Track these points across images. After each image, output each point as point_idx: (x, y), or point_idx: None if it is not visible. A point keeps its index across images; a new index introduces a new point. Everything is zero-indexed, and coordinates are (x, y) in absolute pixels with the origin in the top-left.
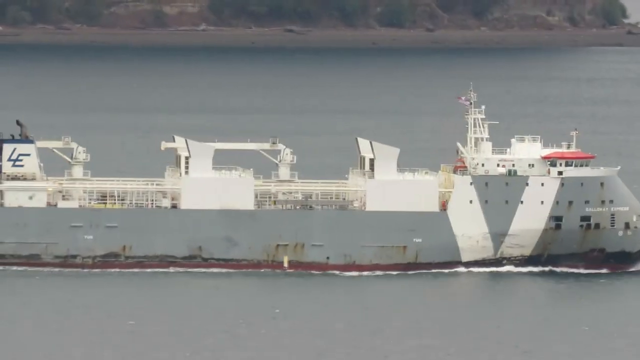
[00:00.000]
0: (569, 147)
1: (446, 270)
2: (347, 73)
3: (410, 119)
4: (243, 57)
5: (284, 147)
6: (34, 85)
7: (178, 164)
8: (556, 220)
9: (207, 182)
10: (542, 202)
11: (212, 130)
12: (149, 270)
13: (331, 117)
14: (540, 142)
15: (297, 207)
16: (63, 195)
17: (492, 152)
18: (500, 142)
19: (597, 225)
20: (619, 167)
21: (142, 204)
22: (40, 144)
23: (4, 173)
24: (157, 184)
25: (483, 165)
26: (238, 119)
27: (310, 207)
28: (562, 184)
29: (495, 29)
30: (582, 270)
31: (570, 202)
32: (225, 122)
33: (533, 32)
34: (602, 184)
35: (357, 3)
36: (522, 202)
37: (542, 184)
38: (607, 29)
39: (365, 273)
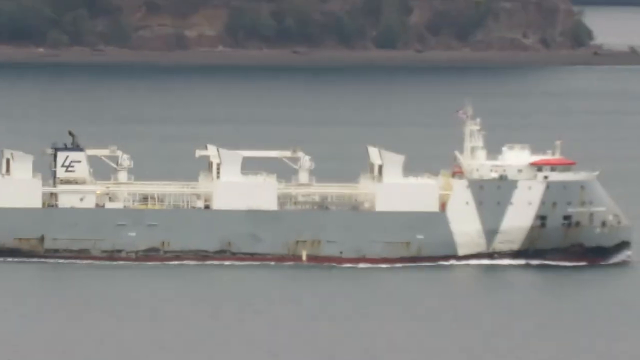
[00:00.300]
0: (553, 154)
1: (445, 263)
2: (347, 89)
3: (406, 129)
4: (255, 75)
5: (303, 154)
6: (77, 100)
7: (210, 170)
8: (541, 219)
9: (236, 185)
10: (529, 203)
11: (240, 140)
12: (184, 262)
13: (339, 128)
14: (528, 150)
15: (315, 208)
16: (109, 197)
17: (486, 158)
18: (493, 150)
19: (577, 224)
20: (597, 172)
21: (179, 204)
22: (90, 152)
23: (58, 178)
24: (192, 187)
25: (478, 170)
26: (260, 130)
27: (326, 207)
28: (547, 187)
29: (477, 50)
30: (563, 263)
31: (554, 203)
32: (249, 132)
33: (510, 53)
34: (582, 187)
35: (354, 27)
36: (511, 203)
37: (530, 187)
38: (576, 50)
39: (374, 265)
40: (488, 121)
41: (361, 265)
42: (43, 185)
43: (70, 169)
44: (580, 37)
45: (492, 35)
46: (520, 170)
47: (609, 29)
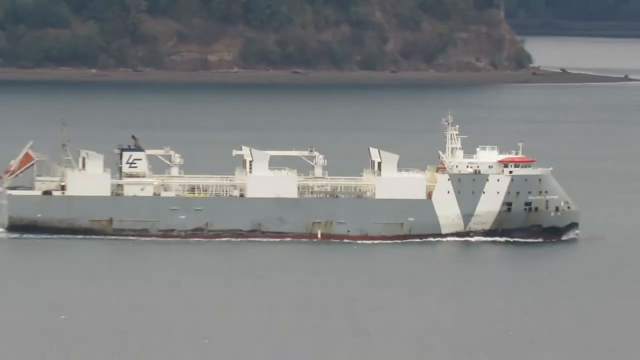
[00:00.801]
0: (517, 153)
1: (431, 239)
2: (337, 102)
3: (390, 134)
4: (263, 90)
5: (318, 153)
6: (123, 110)
7: (244, 166)
8: (507, 205)
9: (265, 178)
10: (497, 193)
11: (258, 141)
12: (223, 239)
13: (336, 132)
14: (497, 150)
15: (327, 196)
16: (164, 188)
17: (463, 157)
18: (469, 150)
19: (536, 209)
20: (551, 168)
21: (219, 193)
22: (148, 152)
23: (123, 172)
24: (229, 180)
25: (457, 166)
26: (271, 134)
27: (336, 196)
28: (512, 180)
29: (440, 71)
30: (525, 240)
31: (518, 193)
32: (262, 136)
33: (466, 73)
34: (540, 179)
35: (343, 53)
36: (484, 192)
37: (498, 180)
38: (518, 71)
39: (374, 242)
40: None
41: (364, 241)
42: (111, 178)
43: (133, 165)
44: (521, 60)
45: (451, 59)
46: (490, 167)
47: (544, 54)
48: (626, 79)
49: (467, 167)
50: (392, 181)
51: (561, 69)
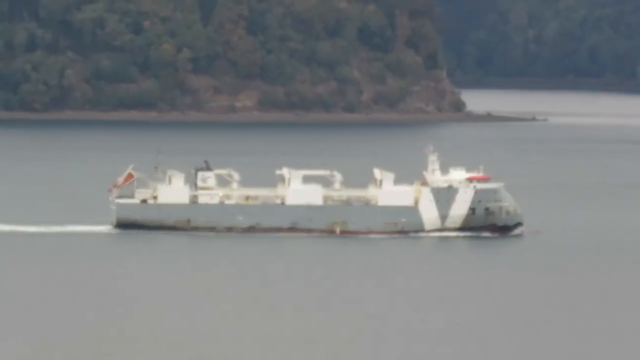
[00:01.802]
0: (478, 172)
1: (417, 235)
2: (328, 138)
3: (377, 161)
4: (274, 128)
5: (337, 172)
6: (184, 144)
7: (284, 181)
8: (472, 209)
9: (299, 190)
10: (465, 201)
11: (297, 164)
12: (269, 234)
13: (339, 160)
14: (464, 170)
15: (343, 203)
16: (227, 197)
17: (440, 175)
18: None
19: (492, 212)
20: (503, 183)
21: (266, 201)
22: (216, 171)
23: (198, 186)
24: (273, 191)
25: (436, 182)
26: (303, 159)
27: (350, 203)
28: (475, 192)
29: (402, 114)
30: (484, 234)
31: (480, 201)
32: (295, 160)
33: (419, 115)
34: (495, 191)
35: (332, 101)
36: (455, 200)
37: (465, 192)
38: (456, 113)
39: (377, 236)
40: (412, 153)
41: (369, 236)
42: (190, 190)
43: (204, 181)
44: (458, 106)
45: (409, 105)
46: (460, 182)
47: (475, 102)
48: (533, 119)
49: (443, 182)
50: (390, 193)
51: (487, 112)
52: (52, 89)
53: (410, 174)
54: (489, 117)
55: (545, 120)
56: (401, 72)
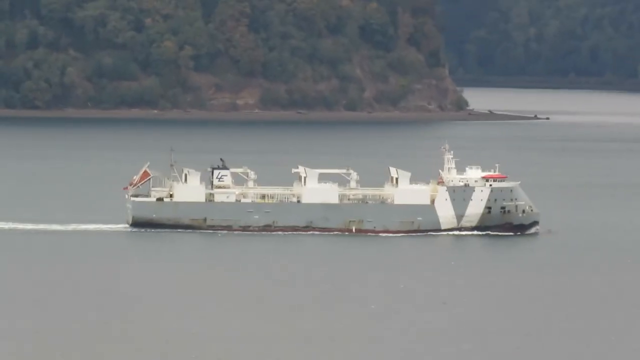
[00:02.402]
0: (494, 171)
1: (433, 233)
2: (328, 135)
3: (378, 159)
4: (275, 126)
5: (353, 171)
6: (187, 142)
7: (300, 180)
8: (488, 208)
9: (315, 189)
10: (481, 200)
11: (312, 163)
12: (286, 233)
13: (346, 157)
14: (480, 169)
15: (359, 202)
16: (243, 195)
17: (456, 174)
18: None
19: (508, 211)
20: (519, 182)
21: (282, 200)
22: (232, 169)
23: (214, 185)
24: (289, 190)
25: (452, 181)
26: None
27: (366, 202)
28: (491, 190)
29: (403, 112)
30: (500, 233)
31: (495, 199)
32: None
33: (421, 114)
34: (511, 190)
35: (334, 99)
36: (472, 199)
37: (482, 190)
38: (458, 112)
39: (393, 235)
40: (413, 151)
41: (386, 234)
42: (205, 189)
43: (220, 179)
44: (460, 105)
45: (411, 103)
46: (476, 181)
47: (477, 100)
48: (535, 118)
49: (459, 181)
50: (406, 191)
51: (489, 111)
52: (54, 86)
53: (425, 172)
54: (490, 116)
55: (546, 118)
56: (403, 70)
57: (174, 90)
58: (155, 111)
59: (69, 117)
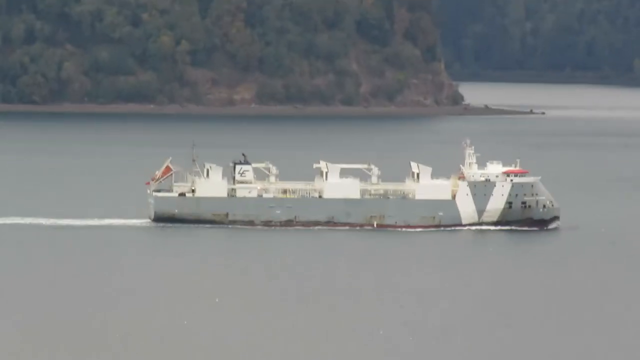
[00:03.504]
0: (515, 166)
1: (454, 228)
2: (325, 130)
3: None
4: (271, 121)
5: (374, 166)
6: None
7: (322, 175)
8: (509, 203)
9: (336, 184)
10: (502, 195)
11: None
12: (307, 228)
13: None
14: (501, 164)
15: (381, 197)
16: (265, 191)
17: (477, 169)
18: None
19: (529, 206)
20: (540, 177)
21: (304, 195)
22: (254, 165)
23: (236, 180)
24: (311, 185)
25: (473, 176)
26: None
27: (387, 197)
28: (512, 185)
29: (399, 107)
30: (521, 228)
31: (516, 195)
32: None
33: (417, 109)
34: (532, 185)
35: (330, 93)
36: (492, 194)
37: (502, 185)
38: (454, 107)
39: (414, 230)
40: (410, 145)
41: (407, 229)
42: (227, 184)
43: (242, 175)
44: (456, 99)
45: (407, 98)
46: (497, 176)
47: (473, 95)
48: (531, 112)
49: (480, 176)
50: (427, 186)
51: (485, 105)
52: (51, 81)
53: (444, 167)
54: (486, 110)
55: (542, 113)
56: (399, 65)
57: (171, 85)
58: (152, 106)
59: (66, 111)
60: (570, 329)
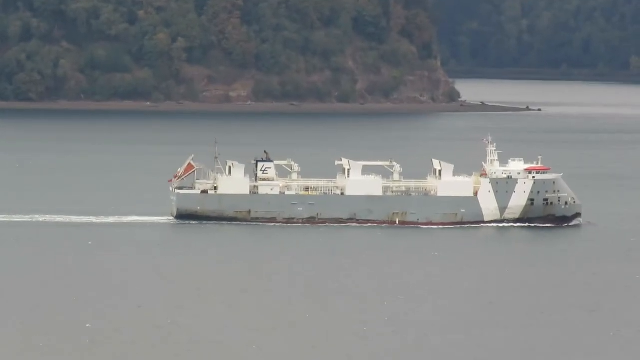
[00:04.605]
0: (537, 163)
1: (476, 225)
2: (321, 126)
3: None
4: (268, 118)
5: (396, 163)
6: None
7: (344, 172)
8: (531, 200)
9: (359, 181)
10: (524, 192)
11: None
12: (329, 225)
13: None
14: (523, 161)
15: (403, 194)
16: (287, 188)
17: (499, 166)
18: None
19: (551, 203)
20: (562, 174)
21: (326, 192)
22: (276, 162)
23: (258, 177)
24: (333, 182)
25: (495, 173)
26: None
27: (410, 194)
28: (534, 182)
29: (395, 104)
30: (543, 225)
31: (538, 192)
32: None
33: (414, 106)
34: (554, 182)
35: (326, 90)
36: (514, 191)
37: (525, 182)
38: (450, 103)
39: (436, 227)
40: (410, 142)
41: (429, 227)
42: (250, 181)
43: (265, 172)
44: (453, 96)
45: (403, 95)
46: (519, 173)
47: (469, 92)
48: (527, 109)
49: (502, 173)
50: (449, 183)
51: (481, 102)
52: (47, 78)
53: (465, 164)
54: (482, 107)
55: (538, 110)
56: (395, 62)
57: (167, 83)
58: (148, 103)
59: (62, 109)
60: (595, 326)
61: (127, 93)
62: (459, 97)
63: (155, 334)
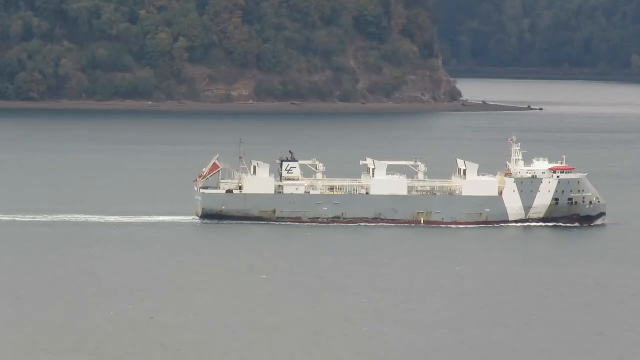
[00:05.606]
0: (561, 163)
1: (501, 225)
2: (322, 126)
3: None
4: (269, 117)
5: (421, 163)
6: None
7: (369, 172)
8: (556, 200)
9: (384, 181)
10: (549, 191)
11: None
12: (354, 225)
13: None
14: (547, 160)
15: (428, 194)
16: (312, 187)
17: (524, 166)
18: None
19: (576, 203)
20: (586, 173)
21: (351, 192)
22: (301, 162)
23: (283, 177)
24: (358, 182)
25: (519, 173)
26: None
27: (434, 193)
28: (559, 182)
29: (397, 103)
30: (568, 225)
31: (563, 191)
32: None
33: (415, 105)
34: (578, 182)
35: (328, 89)
36: (539, 191)
37: (549, 182)
38: (452, 103)
39: (461, 226)
40: (410, 141)
41: (454, 226)
42: (275, 181)
43: (290, 172)
44: (454, 95)
45: (405, 94)
46: (544, 172)
47: (470, 91)
48: (529, 108)
49: (527, 173)
50: (474, 183)
51: (482, 102)
52: (48, 78)
53: (490, 164)
54: (484, 107)
55: (540, 109)
56: (397, 62)
57: (169, 82)
58: (150, 103)
59: (64, 108)
60: (617, 325)
61: (129, 93)
62: (461, 97)
63: (162, 333)
